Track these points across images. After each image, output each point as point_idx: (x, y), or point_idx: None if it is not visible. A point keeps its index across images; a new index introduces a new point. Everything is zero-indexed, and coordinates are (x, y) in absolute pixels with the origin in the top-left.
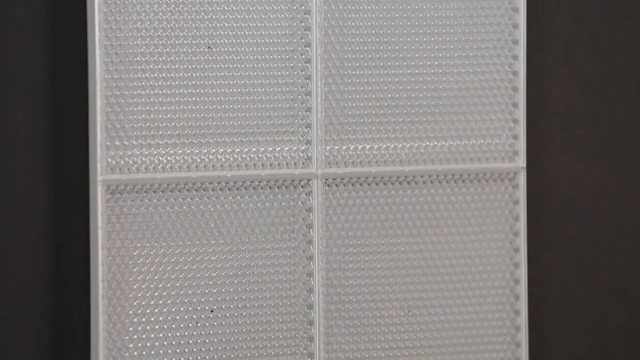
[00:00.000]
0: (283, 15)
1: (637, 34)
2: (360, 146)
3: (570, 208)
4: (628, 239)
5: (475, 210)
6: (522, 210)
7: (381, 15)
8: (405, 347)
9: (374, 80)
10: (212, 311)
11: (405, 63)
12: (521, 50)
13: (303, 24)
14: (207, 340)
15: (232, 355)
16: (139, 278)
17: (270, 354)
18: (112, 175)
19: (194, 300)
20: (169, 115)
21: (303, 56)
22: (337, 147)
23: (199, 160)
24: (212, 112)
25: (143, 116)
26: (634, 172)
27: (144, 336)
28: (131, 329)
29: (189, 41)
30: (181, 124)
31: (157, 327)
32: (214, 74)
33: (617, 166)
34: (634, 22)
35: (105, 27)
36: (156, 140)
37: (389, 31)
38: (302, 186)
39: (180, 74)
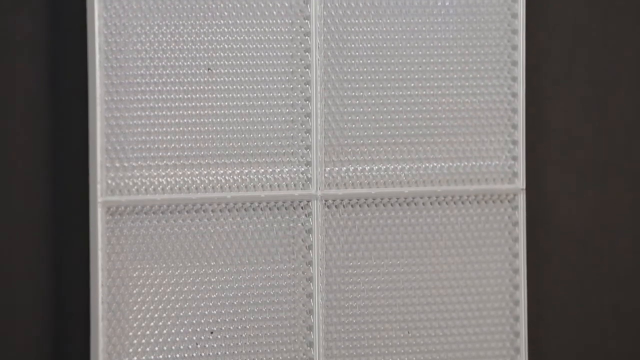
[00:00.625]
0: (283, 37)
1: (636, 56)
2: (360, 167)
3: (570, 229)
4: (627, 261)
5: (474, 232)
6: (521, 231)
7: (380, 37)
8: None
9: (373, 101)
10: (212, 332)
11: (404, 85)
12: (520, 72)
13: (303, 45)
14: None
15: None
16: (139, 299)
17: None
18: (112, 197)
19: (194, 321)
20: (169, 137)
21: (303, 78)
22: (336, 169)
23: (198, 181)
24: (212, 133)
25: (143, 138)
26: (633, 194)
27: (143, 358)
28: (131, 350)
29: (188, 63)
30: (181, 145)
31: (157, 348)
32: (214, 95)
33: (616, 188)
34: (633, 45)
35: (105, 49)
36: (156, 162)
37: (389, 53)
38: (301, 207)
39: (180, 96)
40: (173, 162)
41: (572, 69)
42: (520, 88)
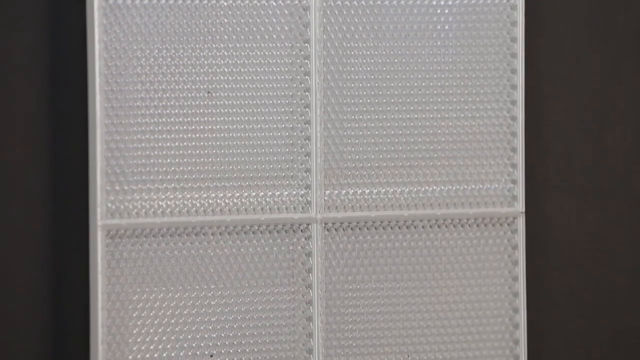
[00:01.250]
0: (282, 61)
1: (635, 80)
2: (360, 190)
3: (569, 253)
4: (627, 284)
5: (474, 255)
6: (521, 255)
7: (380, 61)
8: None
9: (373, 125)
10: (211, 356)
11: (404, 108)
12: (519, 95)
13: (302, 69)
14: None
15: None
16: (139, 323)
17: None
18: (112, 220)
19: (194, 344)
20: (168, 160)
21: (302, 101)
22: (336, 192)
23: (198, 204)
24: (212, 156)
25: (143, 161)
26: (632, 218)
27: None
28: None
29: (188, 86)
30: (181, 168)
31: None
32: (214, 118)
33: (615, 211)
34: (633, 69)
35: (105, 73)
36: (156, 185)
37: (388, 76)
38: (301, 230)
39: (180, 119)
40: (173, 185)
41: (571, 94)
42: (520, 111)
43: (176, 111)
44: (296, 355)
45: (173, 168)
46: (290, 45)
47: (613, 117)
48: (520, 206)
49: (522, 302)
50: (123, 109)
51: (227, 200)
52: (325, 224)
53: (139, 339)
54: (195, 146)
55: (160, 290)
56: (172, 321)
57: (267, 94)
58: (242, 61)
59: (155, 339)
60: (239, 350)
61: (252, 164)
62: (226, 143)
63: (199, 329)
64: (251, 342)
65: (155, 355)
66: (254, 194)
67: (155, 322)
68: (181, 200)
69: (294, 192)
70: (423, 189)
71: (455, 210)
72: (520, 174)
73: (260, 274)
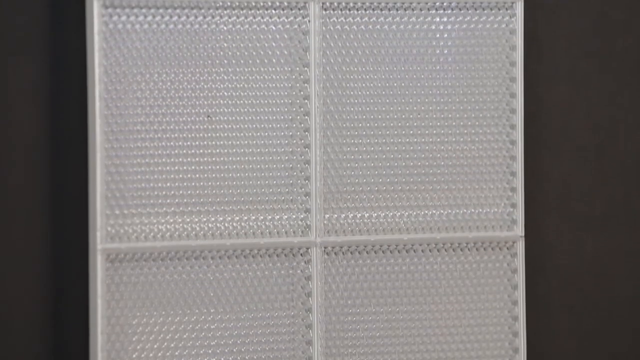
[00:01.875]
0: (282, 85)
1: (634, 106)
2: (359, 214)
3: (568, 277)
4: (626, 309)
5: (474, 279)
6: (520, 278)
7: (379, 85)
8: None
9: (372, 149)
10: None
11: (403, 132)
12: (519, 119)
13: (302, 93)
14: None
15: None
16: (138, 347)
17: None
18: (112, 244)
19: None
20: (168, 184)
21: (302, 125)
22: (335, 216)
23: (198, 228)
24: (212, 180)
25: (143, 185)
26: (631, 242)
27: None
28: None
29: (188, 110)
30: (180, 192)
31: None
32: (214, 143)
33: (614, 235)
34: (632, 94)
35: (105, 97)
36: (155, 209)
37: (387, 100)
38: (301, 254)
39: (180, 143)
40: (172, 209)
41: (569, 119)
42: (519, 136)
43: (176, 135)
44: None
45: (173, 192)
46: (290, 69)
47: (611, 142)
48: (519, 230)
49: (521, 326)
50: (123, 133)
51: (226, 224)
52: (325, 247)
53: None
54: (195, 170)
55: (160, 314)
56: (172, 345)
57: (266, 117)
58: (242, 85)
59: None
60: None
61: (251, 188)
62: (226, 167)
63: (198, 353)
64: None
65: None
66: (253, 217)
67: (155, 346)
68: (181, 224)
69: (294, 216)
70: (422, 212)
71: (455, 234)
72: (519, 198)
73: (260, 298)
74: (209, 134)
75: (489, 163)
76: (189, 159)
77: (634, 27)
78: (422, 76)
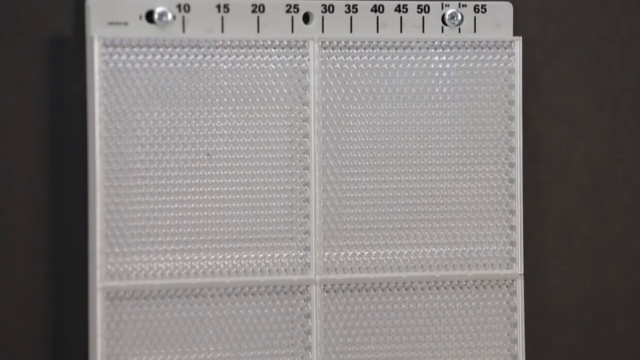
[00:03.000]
0: (282, 123)
1: (632, 145)
2: (359, 252)
3: (568, 316)
4: (626, 348)
5: (473, 317)
6: (519, 317)
7: (379, 123)
8: None
9: (372, 187)
10: None
11: (402, 170)
12: (517, 157)
13: (301, 131)
14: None
15: None
16: None
17: None
18: (112, 282)
19: None
20: (168, 222)
21: (302, 163)
22: (335, 253)
23: (197, 266)
24: (211, 218)
25: (142, 223)
26: (631, 281)
27: None
28: None
29: (188, 149)
30: (180, 230)
31: None
32: (213, 180)
33: (614, 275)
34: (630, 134)
35: (105, 136)
36: (155, 247)
37: (387, 138)
38: (300, 292)
39: (180, 181)
40: (172, 247)
41: (569, 157)
42: (518, 174)
43: (175, 173)
44: None
45: (172, 230)
46: (289, 107)
47: (610, 181)
48: (518, 268)
49: None
50: (123, 172)
51: (226, 262)
52: (325, 285)
53: None
54: (195, 208)
55: (159, 352)
56: None
57: (266, 156)
58: (241, 123)
59: None
60: None
61: (251, 226)
62: (225, 205)
63: None
64: None
65: None
66: (253, 255)
67: None
68: (180, 262)
69: (293, 254)
70: (422, 250)
71: (454, 272)
72: (518, 236)
73: (260, 336)
74: (209, 172)
75: (488, 201)
76: (188, 197)
77: (632, 66)
78: (422, 114)
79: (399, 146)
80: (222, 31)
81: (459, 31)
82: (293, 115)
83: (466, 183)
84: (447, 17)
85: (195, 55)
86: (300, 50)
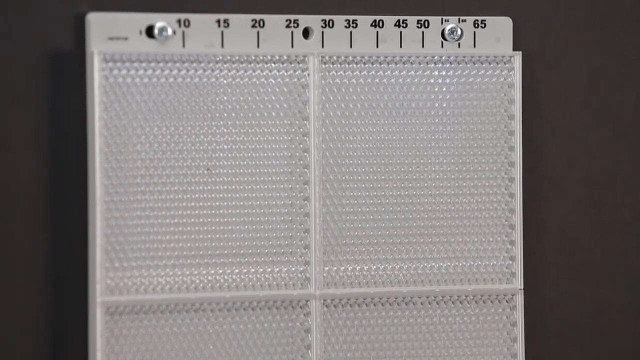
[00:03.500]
0: (282, 138)
1: (631, 159)
2: (359, 267)
3: (568, 330)
4: None
5: (473, 331)
6: (519, 332)
7: (378, 138)
8: None
9: (371, 201)
10: None
11: (402, 185)
12: (517, 172)
13: (301, 146)
14: None
15: None
16: None
17: None
18: (112, 297)
19: None
20: (168, 237)
21: (301, 178)
22: (335, 268)
23: (197, 281)
24: (211, 233)
25: (142, 237)
26: (631, 296)
27: None
28: None
29: (188, 163)
30: (180, 245)
31: None
32: (213, 195)
33: (613, 289)
34: (629, 148)
35: (105, 150)
36: (155, 262)
37: (387, 153)
38: (300, 307)
39: (179, 196)
40: (172, 261)
41: (568, 172)
42: (518, 189)
43: (175, 188)
44: None
45: (172, 245)
46: (289, 122)
47: (610, 195)
48: (518, 283)
49: None
50: (123, 186)
51: (226, 277)
52: (324, 300)
53: None
54: (195, 223)
55: None
56: None
57: (266, 170)
58: (241, 138)
59: None
60: None
61: (251, 241)
62: (225, 219)
63: None
64: None
65: None
66: (252, 270)
67: None
68: (180, 277)
69: (293, 269)
70: (422, 265)
71: (454, 286)
72: (518, 251)
73: (260, 351)
74: (209, 187)
75: (487, 216)
76: (188, 212)
77: (633, 80)
78: (421, 129)
79: (398, 161)
80: (222, 46)
81: (459, 46)
82: (293, 130)
83: (466, 197)
84: (446, 32)
85: (195, 70)
86: (300, 65)
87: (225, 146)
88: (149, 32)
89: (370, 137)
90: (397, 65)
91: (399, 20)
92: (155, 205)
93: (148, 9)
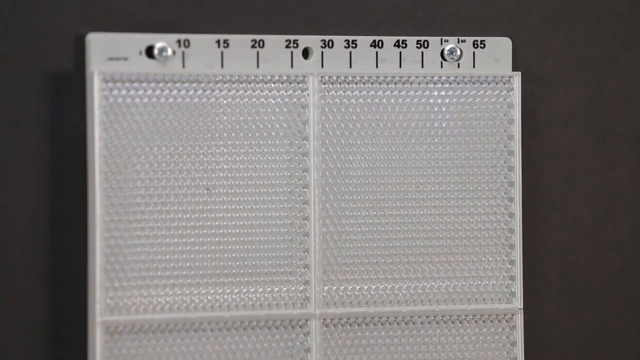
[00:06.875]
0: (281, 158)
1: (632, 178)
2: (358, 286)
3: (568, 350)
4: None
5: (473, 351)
6: (519, 351)
7: (378, 158)
8: None
9: (371, 221)
10: None
11: (402, 204)
12: (517, 192)
13: (301, 165)
14: None
15: None
16: None
17: None
18: (111, 317)
19: None
20: (167, 257)
21: (301, 197)
22: (335, 288)
23: (197, 300)
24: (211, 253)
25: (142, 257)
26: (631, 316)
27: None
28: None
29: (187, 183)
30: (180, 264)
31: None
32: (213, 215)
33: (613, 309)
34: (630, 167)
35: (105, 170)
36: (155, 282)
37: (386, 173)
38: (300, 326)
39: (179, 216)
40: (172, 281)
41: (568, 191)
42: (517, 208)
43: (175, 208)
44: None
45: (172, 264)
46: (289, 142)
47: (609, 215)
48: (518, 303)
49: None
50: (122, 206)
51: (225, 296)
52: (324, 319)
53: None
54: (194, 242)
55: None
56: None
57: (265, 190)
58: (241, 158)
59: None
60: None
61: (250, 260)
62: (225, 239)
63: None
64: None
65: None
66: (252, 289)
67: None
68: (180, 297)
69: (293, 288)
70: (422, 285)
71: (453, 306)
72: (518, 271)
73: None
74: (208, 207)
75: (487, 236)
76: (188, 232)
77: (631, 101)
78: (421, 149)
79: (398, 181)
80: (222, 66)
81: (458, 66)
82: (292, 149)
83: (465, 217)
84: (446, 52)
85: (195, 90)
86: (300, 85)
87: (225, 166)
88: (149, 52)
89: (370, 157)
90: (397, 86)
91: (398, 41)
92: (155, 225)
93: (148, 29)
